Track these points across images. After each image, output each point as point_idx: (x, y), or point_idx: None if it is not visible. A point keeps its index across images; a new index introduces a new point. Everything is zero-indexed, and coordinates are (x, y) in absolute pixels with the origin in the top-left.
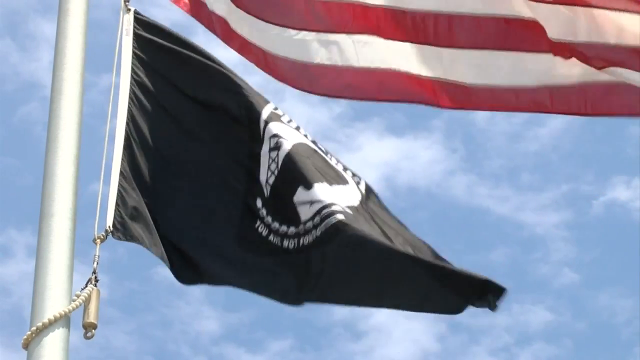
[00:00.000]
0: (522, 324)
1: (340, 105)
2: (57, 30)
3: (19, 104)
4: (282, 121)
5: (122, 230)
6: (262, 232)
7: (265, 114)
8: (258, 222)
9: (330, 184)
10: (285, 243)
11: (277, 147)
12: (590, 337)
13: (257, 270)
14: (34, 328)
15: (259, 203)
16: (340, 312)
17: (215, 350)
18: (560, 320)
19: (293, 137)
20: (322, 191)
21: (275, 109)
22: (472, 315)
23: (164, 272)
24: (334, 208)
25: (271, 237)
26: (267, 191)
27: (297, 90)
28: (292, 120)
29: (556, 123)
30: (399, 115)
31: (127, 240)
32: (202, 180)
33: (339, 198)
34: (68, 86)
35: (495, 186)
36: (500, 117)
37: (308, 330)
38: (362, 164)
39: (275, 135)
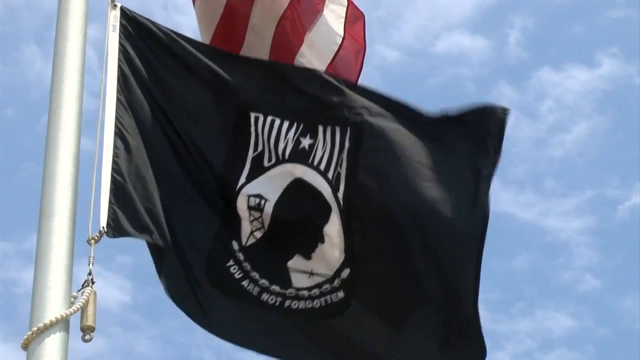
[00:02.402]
0: (545, 330)
1: None
2: (56, 30)
3: (43, 111)
4: (263, 166)
5: (114, 227)
6: (234, 273)
7: (246, 169)
8: (231, 262)
9: (325, 250)
10: (264, 296)
11: (258, 208)
12: (613, 343)
13: (218, 307)
14: (35, 329)
15: (234, 245)
16: None
17: (237, 356)
18: (582, 326)
19: (276, 191)
20: (321, 262)
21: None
22: (495, 321)
23: None
24: (335, 284)
25: (245, 283)
26: (247, 240)
27: None
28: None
29: (581, 129)
30: None
31: (119, 236)
32: (178, 182)
33: (336, 268)
34: (68, 86)
35: (520, 192)
36: (525, 123)
37: None
38: None
39: (256, 196)
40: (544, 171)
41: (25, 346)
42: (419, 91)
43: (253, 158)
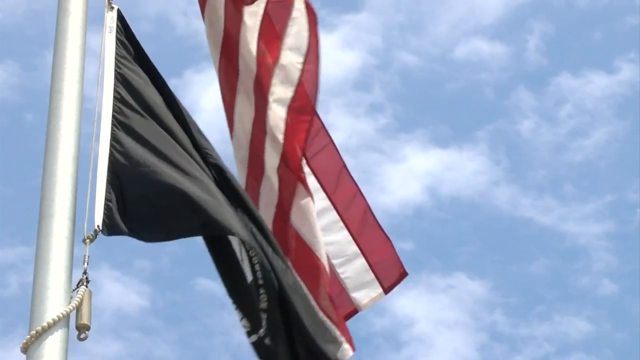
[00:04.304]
0: (563, 334)
1: (385, 117)
2: (56, 30)
3: None
4: None
5: (110, 225)
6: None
7: None
8: None
9: None
10: None
11: None
12: (630, 347)
13: None
14: (33, 332)
15: None
16: (381, 323)
17: None
18: (600, 331)
19: None
20: None
21: None
22: (514, 325)
23: (206, 282)
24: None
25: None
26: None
27: (342, 102)
28: None
29: (600, 134)
30: (443, 126)
31: (114, 234)
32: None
33: None
34: (67, 86)
35: (539, 197)
36: (545, 128)
37: None
38: (406, 174)
39: None
40: (563, 176)
41: (25, 349)
42: (439, 95)
43: None
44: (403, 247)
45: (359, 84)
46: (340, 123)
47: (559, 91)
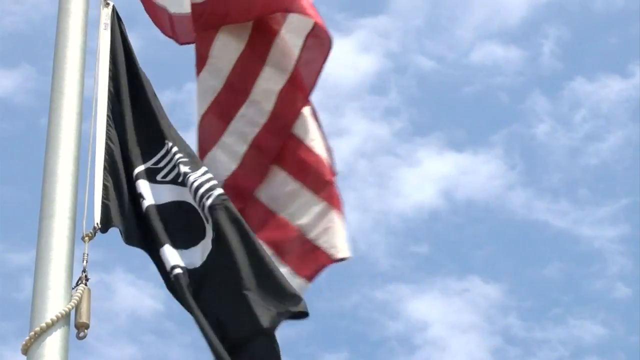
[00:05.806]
0: (577, 338)
1: (401, 120)
2: (56, 30)
3: None
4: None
5: (107, 222)
6: None
7: (138, 169)
8: None
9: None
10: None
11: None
12: None
13: None
14: (32, 333)
15: None
16: (395, 326)
17: None
18: (613, 334)
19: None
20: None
21: (156, 163)
22: (528, 329)
23: None
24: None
25: None
26: None
27: (358, 106)
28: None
29: (616, 138)
30: (459, 130)
31: (111, 227)
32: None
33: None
34: (68, 86)
35: (554, 200)
36: (560, 132)
37: (362, 344)
38: (421, 178)
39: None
40: (578, 179)
41: (25, 351)
42: (455, 99)
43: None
44: (418, 250)
45: (375, 88)
46: (356, 127)
47: (574, 95)
